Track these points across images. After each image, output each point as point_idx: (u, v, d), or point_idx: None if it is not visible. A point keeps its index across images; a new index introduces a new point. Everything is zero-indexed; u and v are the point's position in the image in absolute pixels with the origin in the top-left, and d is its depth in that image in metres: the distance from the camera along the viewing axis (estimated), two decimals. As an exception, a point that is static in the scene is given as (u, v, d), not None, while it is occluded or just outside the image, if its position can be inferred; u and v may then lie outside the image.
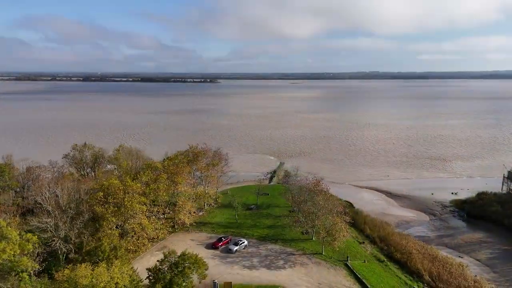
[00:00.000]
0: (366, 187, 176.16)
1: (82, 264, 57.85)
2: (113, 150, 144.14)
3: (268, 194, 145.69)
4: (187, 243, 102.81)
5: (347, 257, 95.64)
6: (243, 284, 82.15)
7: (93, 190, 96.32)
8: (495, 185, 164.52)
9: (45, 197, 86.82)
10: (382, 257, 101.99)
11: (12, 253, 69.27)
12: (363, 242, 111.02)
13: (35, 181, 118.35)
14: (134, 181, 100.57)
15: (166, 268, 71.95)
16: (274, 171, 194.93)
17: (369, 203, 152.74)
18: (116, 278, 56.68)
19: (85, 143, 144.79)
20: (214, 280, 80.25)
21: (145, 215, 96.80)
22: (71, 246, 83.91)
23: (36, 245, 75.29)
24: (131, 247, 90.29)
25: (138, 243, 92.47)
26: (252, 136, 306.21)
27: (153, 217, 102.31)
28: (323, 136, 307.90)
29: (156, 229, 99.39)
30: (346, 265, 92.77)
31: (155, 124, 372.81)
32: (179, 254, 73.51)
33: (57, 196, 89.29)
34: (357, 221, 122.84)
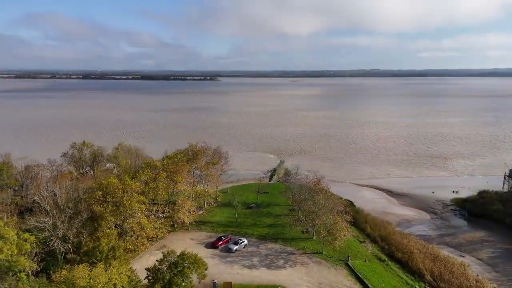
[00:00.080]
0: (367, 186, 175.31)
1: (80, 265, 57.03)
2: (112, 148, 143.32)
3: (268, 193, 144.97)
4: (186, 242, 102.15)
5: (348, 256, 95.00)
6: (243, 284, 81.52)
7: (92, 189, 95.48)
8: (496, 184, 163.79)
9: (43, 196, 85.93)
10: (383, 257, 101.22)
11: (10, 253, 68.61)
12: (364, 241, 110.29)
13: (33, 179, 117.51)
14: (133, 180, 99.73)
15: (165, 268, 71.36)
16: (274, 170, 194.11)
17: (370, 202, 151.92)
18: (114, 279, 55.92)
19: (84, 142, 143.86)
20: (214, 280, 79.58)
21: (144, 214, 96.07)
22: (69, 245, 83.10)
23: (34, 245, 74.60)
24: (130, 247, 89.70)
25: (137, 242, 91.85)
26: (252, 134, 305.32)
27: (152, 216, 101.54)
28: (323, 134, 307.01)
29: (155, 228, 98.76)
30: (347, 264, 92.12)
31: (155, 122, 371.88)
32: (178, 254, 72.86)
33: (55, 195, 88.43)
34: (358, 220, 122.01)
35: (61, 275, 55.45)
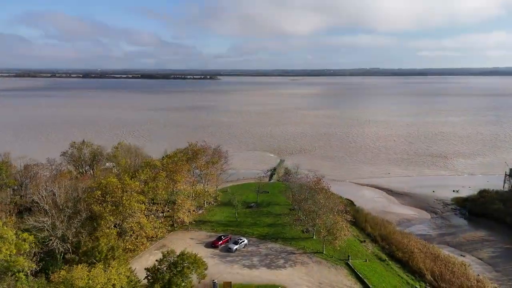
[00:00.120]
0: (367, 185, 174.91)
1: (79, 265, 56.64)
2: (111, 147, 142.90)
3: (268, 192, 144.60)
4: (186, 242, 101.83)
5: (348, 256, 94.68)
6: (243, 284, 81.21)
7: (91, 189, 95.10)
8: (496, 183, 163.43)
9: (42, 196, 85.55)
10: (384, 256, 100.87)
11: (8, 253, 68.28)
12: (364, 241, 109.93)
13: (32, 179, 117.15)
14: (133, 179, 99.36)
15: (165, 268, 71.01)
16: (274, 169, 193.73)
17: (370, 201, 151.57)
18: (113, 280, 55.55)
19: (83, 141, 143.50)
20: (213, 280, 79.25)
21: (144, 213, 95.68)
22: (68, 245, 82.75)
23: (33, 245, 74.28)
24: (130, 246, 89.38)
25: (137, 242, 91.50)
26: (252, 133, 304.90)
27: (152, 215, 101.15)
28: (324, 133, 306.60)
29: (155, 228, 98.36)
30: (347, 264, 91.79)
31: (155, 121, 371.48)
32: (178, 254, 72.50)
33: (54, 194, 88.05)
34: (358, 219, 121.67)
35: (60, 275, 55.10)
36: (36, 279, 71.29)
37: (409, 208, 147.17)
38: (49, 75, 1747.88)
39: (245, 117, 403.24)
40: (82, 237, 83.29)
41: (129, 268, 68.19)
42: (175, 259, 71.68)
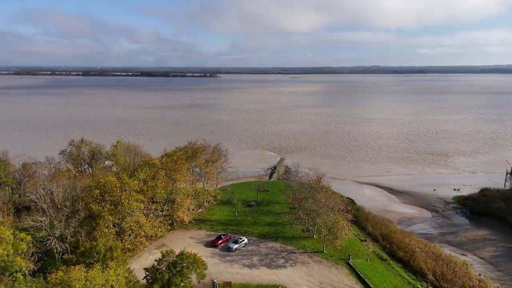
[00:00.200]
0: (368, 183, 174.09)
1: (76, 266, 55.80)
2: (111, 146, 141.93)
3: (268, 191, 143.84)
4: (186, 241, 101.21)
5: (349, 255, 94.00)
6: (243, 284, 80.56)
7: (89, 188, 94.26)
8: (497, 181, 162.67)
9: (39, 195, 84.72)
10: (385, 256, 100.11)
11: (6, 253, 67.70)
12: (365, 240, 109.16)
13: (31, 177, 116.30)
14: (132, 178, 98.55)
15: (164, 268, 70.29)
16: (274, 167, 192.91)
17: (371, 200, 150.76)
18: (111, 281, 54.74)
19: (82, 139, 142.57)
20: (213, 280, 78.56)
21: (143, 213, 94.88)
22: (67, 245, 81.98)
23: (31, 245, 73.61)
24: (129, 246, 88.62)
25: (136, 241, 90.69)
26: (252, 131, 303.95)
27: (151, 215, 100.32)
28: (324, 131, 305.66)
29: (154, 227, 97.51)
30: (348, 263, 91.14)
31: (155, 119, 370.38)
32: (177, 254, 71.78)
33: (52, 193, 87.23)
34: (359, 218, 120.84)
35: (57, 276, 54.28)
36: (34, 279, 70.65)
37: (410, 207, 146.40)
38: (49, 73, 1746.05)
39: (245, 115, 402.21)
40: (81, 236, 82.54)
41: (128, 268, 67.39)
42: (174, 259, 71.00)
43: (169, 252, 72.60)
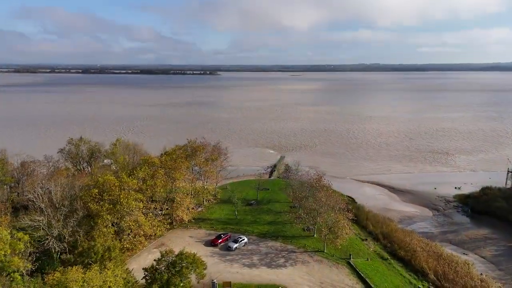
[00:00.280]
0: (368, 182, 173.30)
1: (74, 267, 55.01)
2: (110, 144, 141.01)
3: (269, 189, 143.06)
4: (185, 240, 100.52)
5: (350, 255, 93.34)
6: (243, 284, 79.89)
7: (88, 187, 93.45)
8: (498, 180, 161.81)
9: (37, 194, 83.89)
10: (386, 255, 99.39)
11: (3, 253, 66.98)
12: (366, 239, 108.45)
13: (29, 176, 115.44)
14: (131, 177, 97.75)
15: (163, 268, 69.61)
16: (275, 165, 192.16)
17: (371, 198, 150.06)
18: (109, 282, 53.97)
19: (81, 137, 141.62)
20: (213, 280, 77.86)
21: (142, 212, 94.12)
22: (65, 245, 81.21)
23: (28, 245, 72.88)
24: (128, 245, 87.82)
25: (135, 241, 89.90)
26: (252, 129, 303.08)
27: (150, 214, 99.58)
28: (324, 129, 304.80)
29: (154, 226, 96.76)
30: (349, 263, 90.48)
31: (154, 117, 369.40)
32: (176, 253, 71.07)
33: (50, 192, 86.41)
34: (359, 217, 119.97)
35: (54, 277, 53.51)
36: (32, 279, 69.93)
37: (410, 206, 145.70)
38: (48, 70, 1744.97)
39: (245, 113, 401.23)
40: (79, 236, 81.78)
41: (126, 269, 66.66)
42: (173, 258, 70.30)
43: (168, 252, 71.93)
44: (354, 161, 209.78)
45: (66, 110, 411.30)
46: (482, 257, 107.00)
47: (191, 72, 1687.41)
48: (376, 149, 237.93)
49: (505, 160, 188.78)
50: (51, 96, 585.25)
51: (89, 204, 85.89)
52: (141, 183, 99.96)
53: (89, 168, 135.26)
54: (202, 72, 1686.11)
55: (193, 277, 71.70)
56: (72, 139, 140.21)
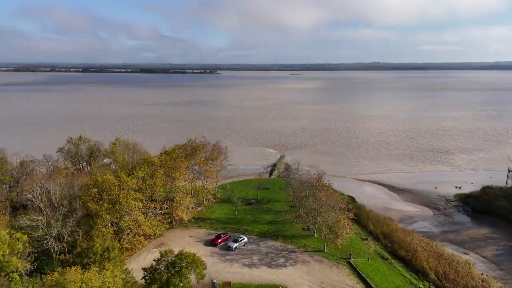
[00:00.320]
0: (368, 181, 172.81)
1: (72, 267, 54.55)
2: (109, 143, 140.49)
3: (269, 189, 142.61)
4: (185, 240, 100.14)
5: (350, 254, 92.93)
6: (243, 284, 79.50)
7: (87, 186, 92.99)
8: (499, 179, 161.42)
9: (36, 194, 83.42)
10: (386, 255, 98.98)
11: (1, 253, 66.64)
12: (366, 239, 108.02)
13: (28, 175, 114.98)
14: (130, 176, 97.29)
15: (162, 268, 69.25)
16: (275, 164, 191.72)
17: (371, 197, 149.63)
18: (107, 283, 53.52)
19: (80, 136, 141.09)
20: (213, 280, 77.45)
21: (141, 211, 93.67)
22: (64, 244, 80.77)
23: (27, 245, 72.48)
24: (127, 245, 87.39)
25: (134, 240, 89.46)
26: (252, 128, 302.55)
27: (150, 213, 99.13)
28: (324, 128, 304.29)
29: (153, 225, 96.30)
30: (349, 263, 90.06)
31: (154, 115, 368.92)
32: (176, 253, 70.68)
33: (49, 192, 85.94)
34: (360, 216, 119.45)
35: (52, 278, 53.08)
36: (31, 279, 69.55)
37: (411, 205, 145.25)
38: (48, 69, 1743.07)
39: (244, 112, 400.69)
40: (78, 236, 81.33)
41: (125, 269, 66.23)
42: (173, 258, 69.92)
43: (167, 251, 71.57)
44: (354, 160, 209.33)
45: (66, 109, 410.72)
46: (483, 256, 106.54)
47: (191, 71, 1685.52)
48: (376, 148, 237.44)
49: (505, 159, 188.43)
50: (51, 95, 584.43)
51: (88, 204, 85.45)
52: (140, 183, 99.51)
53: (89, 168, 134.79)
54: (202, 71, 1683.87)
55: (192, 277, 71.32)
56: (71, 138, 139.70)
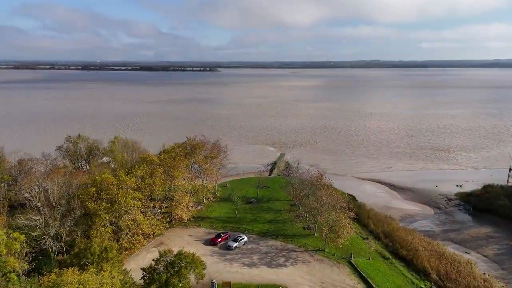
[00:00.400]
0: (369, 179, 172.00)
1: (70, 268, 53.75)
2: (108, 141, 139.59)
3: (269, 187, 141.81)
4: (184, 239, 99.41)
5: (351, 254, 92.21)
6: (243, 283, 78.78)
7: (85, 185, 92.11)
8: (500, 177, 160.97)
9: (34, 193, 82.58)
10: (387, 254, 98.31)
11: (-2, 253, 65.79)
12: (367, 238, 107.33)
13: (27, 174, 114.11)
14: (129, 175, 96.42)
15: (161, 268, 68.47)
16: (275, 163, 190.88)
17: (372, 196, 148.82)
18: (105, 284, 52.74)
19: (79, 135, 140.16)
20: (212, 280, 76.71)
21: (140, 211, 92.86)
22: (62, 244, 79.99)
23: (24, 244, 71.69)
24: (126, 245, 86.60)
25: (133, 240, 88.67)
26: (252, 126, 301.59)
27: (149, 212, 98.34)
28: (324, 126, 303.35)
29: (152, 225, 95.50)
30: (350, 262, 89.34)
31: (154, 113, 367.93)
32: (175, 253, 69.91)
33: (47, 191, 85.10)
34: (360, 215, 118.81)
35: (49, 279, 52.29)
36: (29, 279, 68.81)
37: (412, 204, 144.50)
38: (48, 67, 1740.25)
39: (245, 110, 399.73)
40: (77, 235, 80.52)
41: (124, 269, 65.45)
42: (172, 258, 69.13)
43: (167, 251, 70.75)
44: (355, 159, 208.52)
45: (65, 107, 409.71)
46: (484, 256, 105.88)
47: (191, 68, 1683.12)
48: (376, 146, 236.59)
49: (506, 158, 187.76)
50: (51, 92, 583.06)
51: (87, 203, 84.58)
52: (139, 182, 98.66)
53: (87, 166, 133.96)
54: (202, 68, 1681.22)
55: (192, 277, 70.57)
56: (70, 136, 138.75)
